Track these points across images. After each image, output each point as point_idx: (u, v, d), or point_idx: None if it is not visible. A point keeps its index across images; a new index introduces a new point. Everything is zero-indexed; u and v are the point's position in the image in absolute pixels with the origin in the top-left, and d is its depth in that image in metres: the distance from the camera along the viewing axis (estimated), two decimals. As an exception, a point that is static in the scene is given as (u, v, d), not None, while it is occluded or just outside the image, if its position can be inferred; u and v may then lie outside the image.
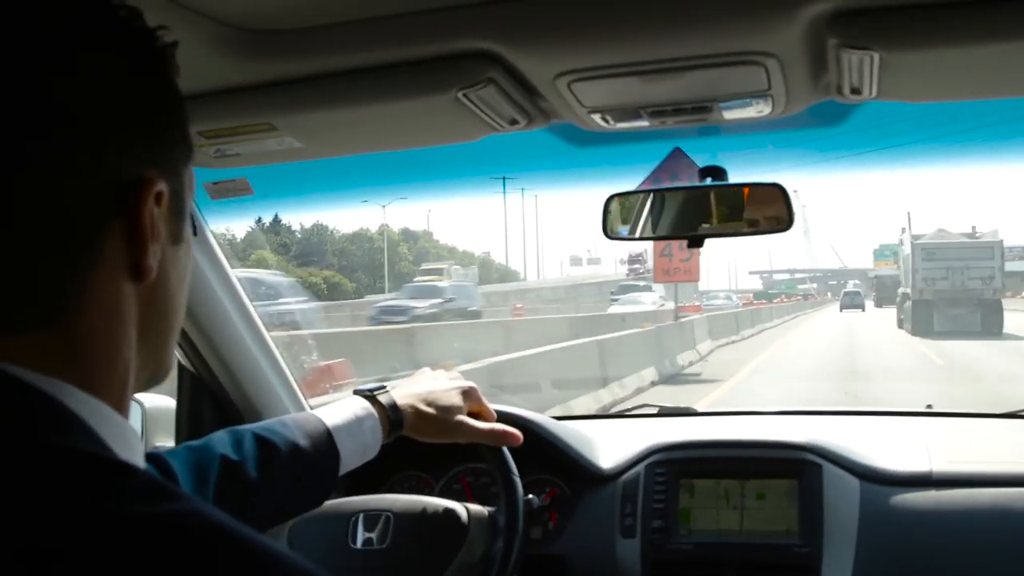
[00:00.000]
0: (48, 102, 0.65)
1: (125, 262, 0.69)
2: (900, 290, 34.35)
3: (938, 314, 29.53)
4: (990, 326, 28.55)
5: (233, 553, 0.59)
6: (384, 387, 1.59)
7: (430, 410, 1.57)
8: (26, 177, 0.64)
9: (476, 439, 1.60)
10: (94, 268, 0.67)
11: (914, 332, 28.44)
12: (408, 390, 1.59)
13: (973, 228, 37.31)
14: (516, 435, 1.61)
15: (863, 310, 54.11)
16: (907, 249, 32.78)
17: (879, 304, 59.21)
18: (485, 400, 1.67)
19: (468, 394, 1.63)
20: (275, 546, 0.62)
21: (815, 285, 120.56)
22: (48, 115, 0.65)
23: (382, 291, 49.20)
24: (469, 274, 50.20)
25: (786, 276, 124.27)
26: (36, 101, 0.64)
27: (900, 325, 32.22)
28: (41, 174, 0.64)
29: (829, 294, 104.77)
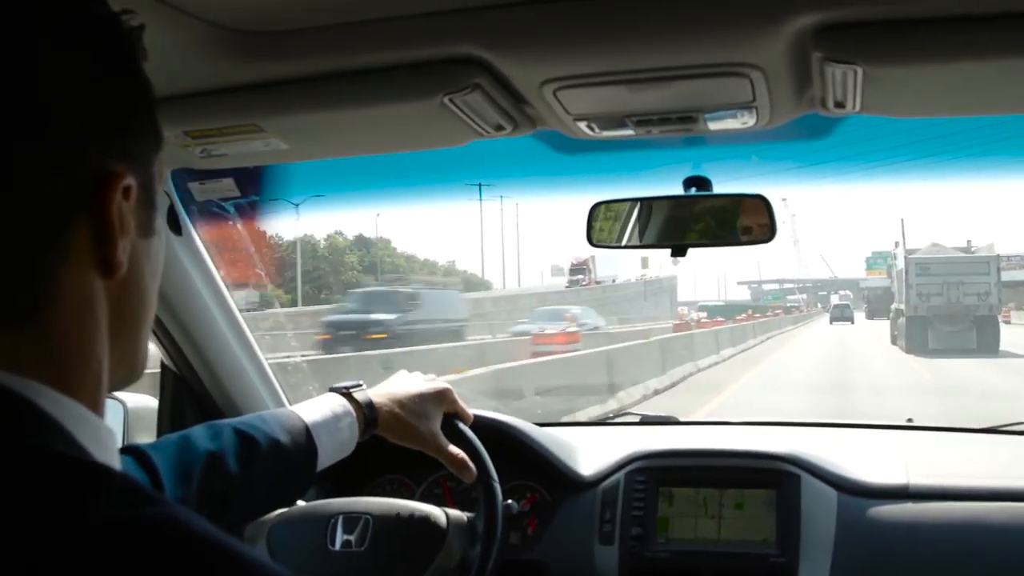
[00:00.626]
0: (9, 94, 0.62)
1: (94, 258, 0.67)
2: (894, 305, 33.34)
3: (933, 331, 28.61)
4: (986, 344, 27.76)
5: (211, 560, 0.58)
6: (360, 385, 1.60)
7: (402, 413, 1.58)
8: None
9: (438, 456, 1.62)
10: (63, 264, 0.65)
11: (908, 349, 27.71)
12: (384, 390, 1.61)
13: (968, 242, 36.40)
14: (472, 472, 1.63)
15: (852, 322, 56.05)
16: (901, 263, 31.86)
17: (870, 316, 60.54)
18: (461, 402, 1.68)
19: (442, 396, 1.64)
20: (253, 554, 0.60)
21: (804, 296, 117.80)
22: (9, 108, 0.62)
23: (323, 302, 44.94)
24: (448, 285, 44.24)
25: (775, 286, 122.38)
26: None
27: (894, 341, 31.29)
28: (4, 169, 0.62)
29: (819, 305, 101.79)
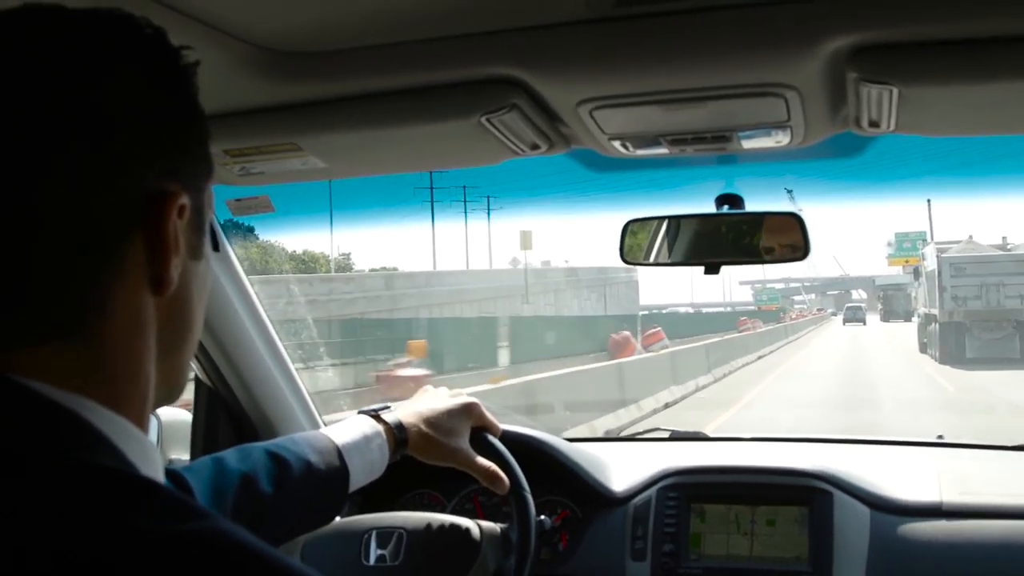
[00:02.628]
0: (76, 115, 0.66)
1: (146, 274, 0.70)
2: (923, 310, 30.17)
3: (970, 338, 25.86)
4: None
5: (258, 571, 0.60)
6: (388, 406, 1.61)
7: (431, 431, 1.58)
8: (53, 187, 0.65)
9: (469, 470, 1.62)
10: (116, 279, 0.68)
11: (942, 359, 25.03)
12: (411, 409, 1.61)
13: (1004, 239, 33.63)
14: (504, 483, 1.62)
15: (864, 323, 59.69)
16: (931, 264, 28.49)
17: (885, 318, 61.73)
18: (489, 415, 1.68)
19: (469, 411, 1.64)
20: (298, 564, 0.62)
21: (812, 296, 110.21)
22: (76, 128, 0.66)
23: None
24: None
25: (781, 285, 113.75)
26: (65, 114, 0.66)
27: (923, 350, 28.82)
28: (68, 185, 0.65)
29: (831, 310, 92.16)
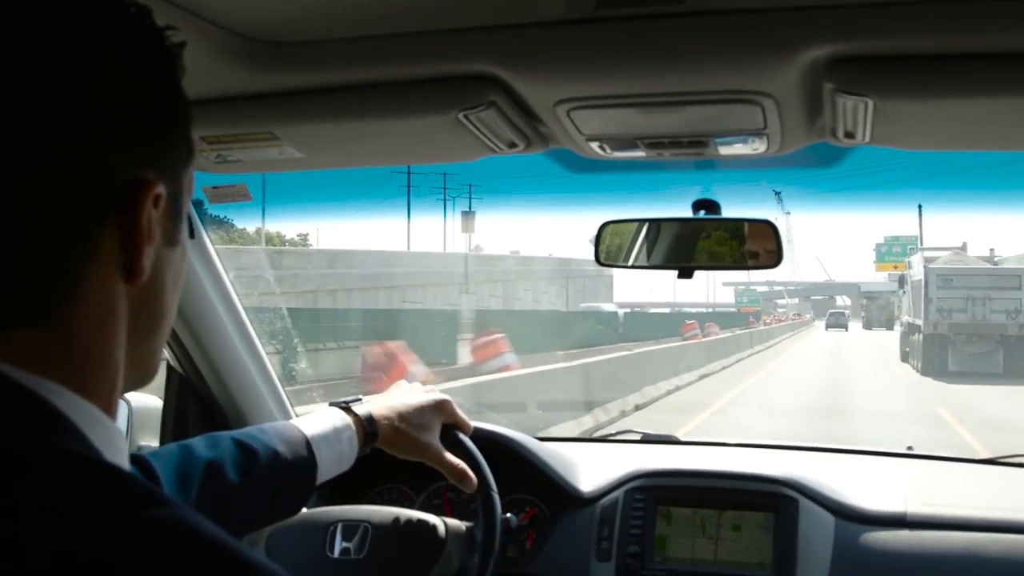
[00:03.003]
0: (53, 100, 0.65)
1: (119, 262, 0.69)
2: (907, 319, 29.40)
3: (954, 352, 25.12)
4: (1015, 367, 23.97)
5: (218, 561, 0.59)
6: (360, 399, 1.61)
7: (402, 426, 1.59)
8: (27, 173, 0.64)
9: (438, 466, 1.62)
10: (88, 266, 0.67)
11: (924, 371, 24.41)
12: (383, 403, 1.61)
13: (991, 251, 33.10)
14: (472, 482, 1.62)
15: (846, 329, 63.01)
16: (918, 273, 27.62)
17: (867, 326, 63.34)
18: (461, 412, 1.68)
19: (441, 407, 1.65)
20: (258, 556, 0.62)
21: (795, 300, 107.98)
22: (56, 114, 0.65)
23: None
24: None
25: (765, 288, 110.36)
26: (41, 98, 0.65)
27: (905, 359, 28.28)
28: (42, 171, 0.65)
29: (811, 315, 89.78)
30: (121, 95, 0.68)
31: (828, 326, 65.22)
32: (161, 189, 0.70)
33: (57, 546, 0.55)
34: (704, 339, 31.26)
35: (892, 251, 52.39)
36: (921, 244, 31.24)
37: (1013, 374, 23.22)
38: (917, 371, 25.01)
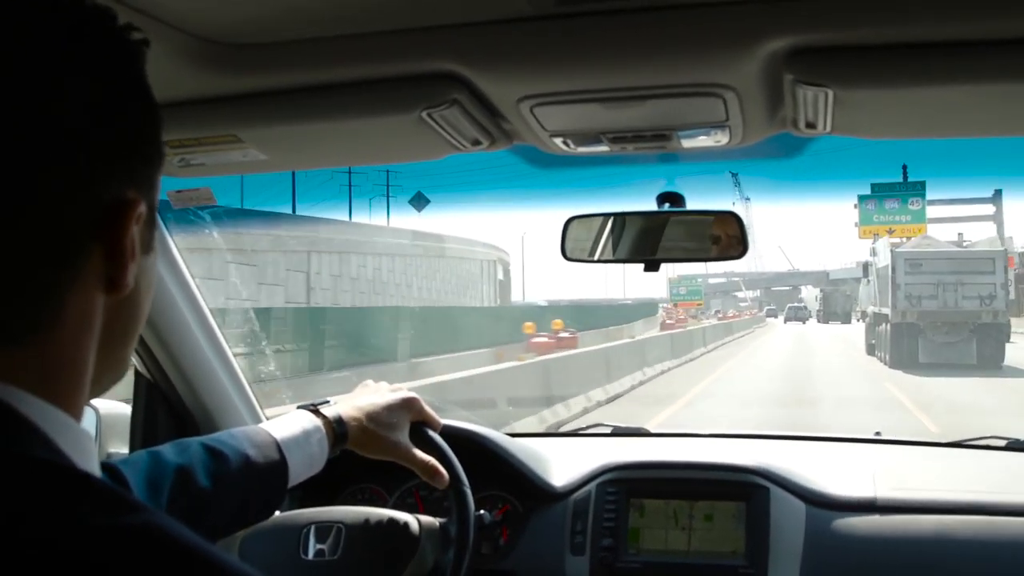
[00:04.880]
0: (33, 126, 0.64)
1: (102, 276, 0.68)
2: (872, 309, 27.73)
3: (924, 341, 23.79)
4: (988, 358, 22.88)
5: (192, 565, 0.59)
6: (328, 401, 1.61)
7: (371, 426, 1.59)
8: (12, 201, 0.63)
9: (409, 464, 1.62)
10: (72, 285, 0.67)
11: (893, 363, 23.08)
12: (351, 403, 1.62)
13: (959, 235, 30.76)
14: (443, 478, 1.63)
15: (804, 323, 66.97)
16: (884, 259, 26.04)
17: (824, 319, 64.59)
18: (429, 409, 1.69)
19: (409, 405, 1.65)
20: (235, 560, 0.62)
21: (755, 293, 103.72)
22: (33, 140, 0.63)
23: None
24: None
25: (722, 280, 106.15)
26: (20, 125, 0.63)
27: (871, 351, 27.05)
28: (28, 201, 0.63)
29: (764, 309, 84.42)
30: (99, 116, 0.67)
31: (787, 319, 70.51)
32: (143, 207, 0.70)
33: (28, 553, 0.55)
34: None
35: (884, 206, 33.15)
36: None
37: (985, 365, 22.18)
38: (885, 364, 23.87)
